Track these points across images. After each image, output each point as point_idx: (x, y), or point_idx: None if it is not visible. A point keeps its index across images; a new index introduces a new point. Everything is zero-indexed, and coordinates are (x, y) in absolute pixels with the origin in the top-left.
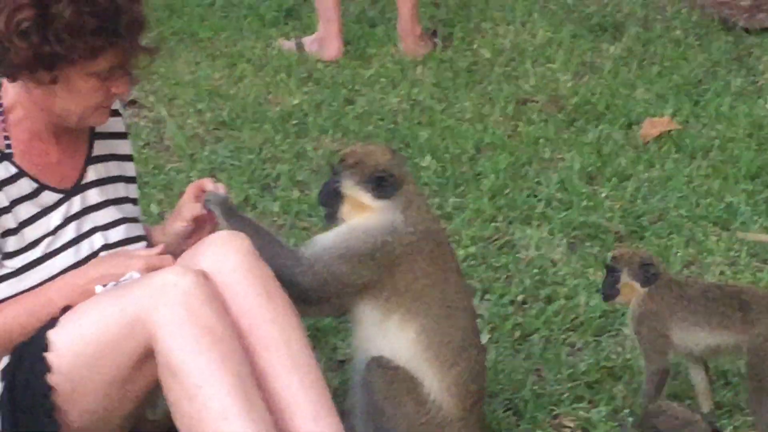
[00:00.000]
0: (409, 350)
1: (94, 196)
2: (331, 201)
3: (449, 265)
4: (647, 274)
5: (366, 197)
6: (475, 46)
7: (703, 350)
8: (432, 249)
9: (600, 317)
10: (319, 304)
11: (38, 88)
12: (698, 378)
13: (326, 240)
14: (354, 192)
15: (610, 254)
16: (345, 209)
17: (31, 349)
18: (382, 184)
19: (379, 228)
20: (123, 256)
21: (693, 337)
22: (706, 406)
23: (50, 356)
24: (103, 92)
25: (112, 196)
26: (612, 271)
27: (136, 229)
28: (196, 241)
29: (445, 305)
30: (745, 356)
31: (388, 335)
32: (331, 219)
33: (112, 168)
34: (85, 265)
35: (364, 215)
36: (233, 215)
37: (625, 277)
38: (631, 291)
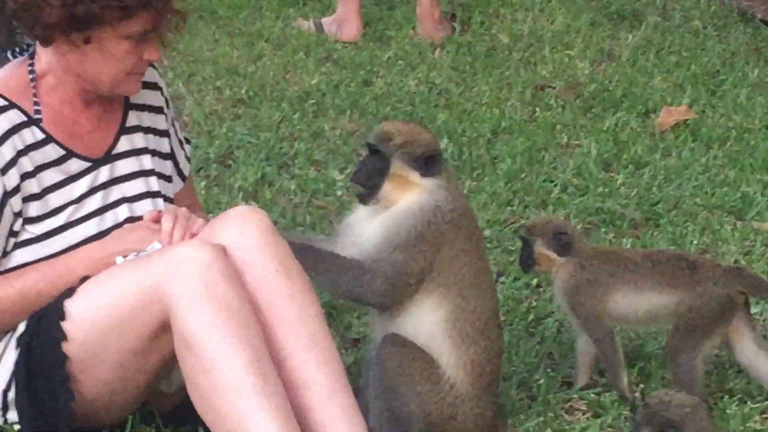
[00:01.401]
0: (436, 328)
1: (124, 166)
2: (375, 179)
3: (480, 243)
4: (560, 242)
5: (414, 175)
6: (493, 31)
7: (644, 314)
8: (468, 225)
9: None
10: (393, 305)
11: (72, 52)
12: (585, 348)
13: (375, 237)
14: (403, 171)
15: (525, 224)
16: (387, 187)
17: (47, 318)
18: (431, 163)
19: (423, 208)
20: (145, 230)
21: (639, 300)
22: (583, 379)
23: (67, 325)
24: (136, 57)
25: (144, 168)
26: (526, 241)
27: (163, 206)
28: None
29: (476, 284)
30: (680, 313)
31: (418, 313)
32: (367, 198)
33: (148, 140)
34: (107, 238)
35: (406, 194)
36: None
37: (539, 247)
38: (548, 260)
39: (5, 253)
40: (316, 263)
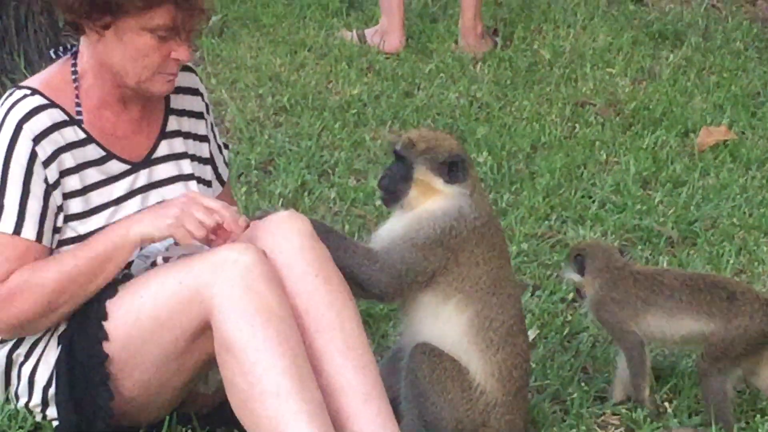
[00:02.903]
0: (460, 334)
1: (163, 170)
2: (399, 186)
3: (504, 253)
4: (577, 263)
5: (438, 182)
6: (535, 47)
7: (678, 339)
8: (492, 234)
9: None
10: (394, 297)
11: (100, 43)
12: (624, 364)
13: (395, 231)
14: (426, 177)
15: None
16: (412, 194)
17: (89, 317)
18: (454, 169)
19: (447, 212)
20: (198, 199)
21: (672, 324)
22: (618, 394)
23: (108, 325)
24: (161, 55)
25: (183, 173)
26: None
27: None
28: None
29: (498, 291)
30: (712, 342)
31: (442, 319)
32: (392, 203)
33: (187, 145)
34: (159, 210)
35: (430, 200)
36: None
37: (568, 273)
38: (585, 283)
39: (51, 251)
40: (336, 245)
